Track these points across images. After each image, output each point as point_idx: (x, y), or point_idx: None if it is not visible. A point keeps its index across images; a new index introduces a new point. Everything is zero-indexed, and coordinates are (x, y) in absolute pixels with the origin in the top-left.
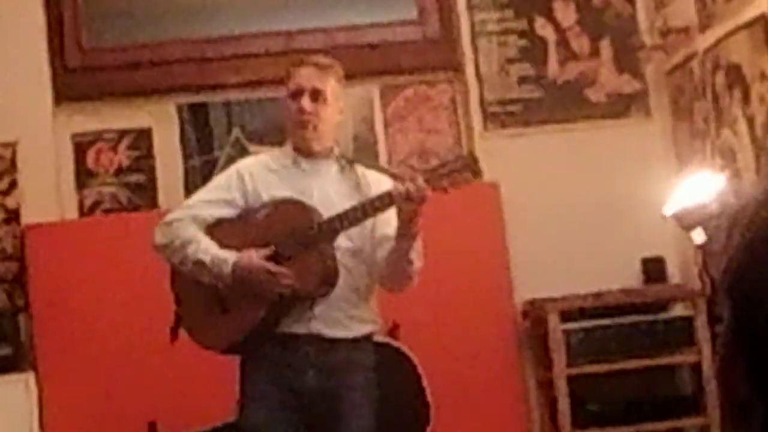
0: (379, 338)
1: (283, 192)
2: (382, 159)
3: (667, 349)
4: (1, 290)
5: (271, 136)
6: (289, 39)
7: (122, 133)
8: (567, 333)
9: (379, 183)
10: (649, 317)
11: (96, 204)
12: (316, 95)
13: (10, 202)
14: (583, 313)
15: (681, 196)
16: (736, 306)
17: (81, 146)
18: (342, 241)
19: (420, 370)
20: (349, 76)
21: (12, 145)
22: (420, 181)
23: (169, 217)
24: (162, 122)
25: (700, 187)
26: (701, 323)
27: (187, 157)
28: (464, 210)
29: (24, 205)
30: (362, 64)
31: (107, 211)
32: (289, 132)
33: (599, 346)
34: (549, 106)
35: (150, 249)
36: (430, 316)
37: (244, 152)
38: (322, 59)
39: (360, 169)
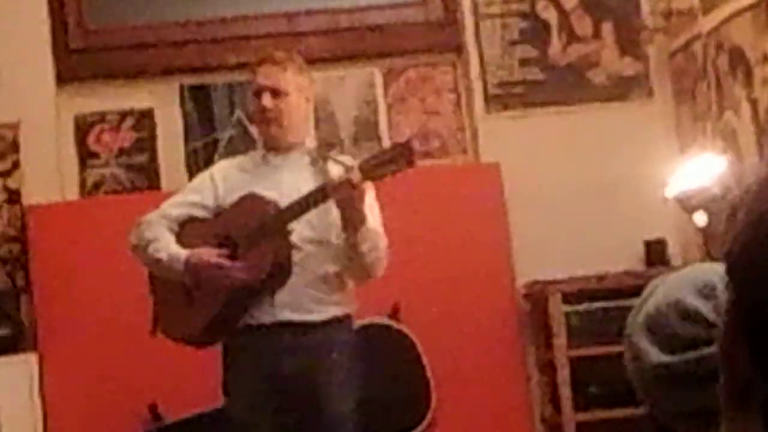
0: (380, 320)
1: (252, 189)
2: (384, 141)
3: None
4: (3, 271)
5: None
6: (292, 20)
7: (124, 114)
8: (568, 315)
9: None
10: None
11: (98, 185)
12: (277, 92)
13: (12, 182)
14: (584, 295)
15: (683, 179)
16: (738, 286)
17: (83, 127)
18: (305, 231)
19: (421, 351)
20: (352, 58)
21: (14, 126)
22: (354, 172)
23: (140, 219)
24: (164, 103)
25: (702, 170)
26: None
27: (189, 138)
28: (466, 191)
29: (26, 185)
30: (364, 46)
31: (109, 192)
32: (257, 130)
33: (601, 328)
34: (551, 88)
35: None
36: (431, 298)
37: (245, 133)
38: (280, 54)
39: (330, 165)
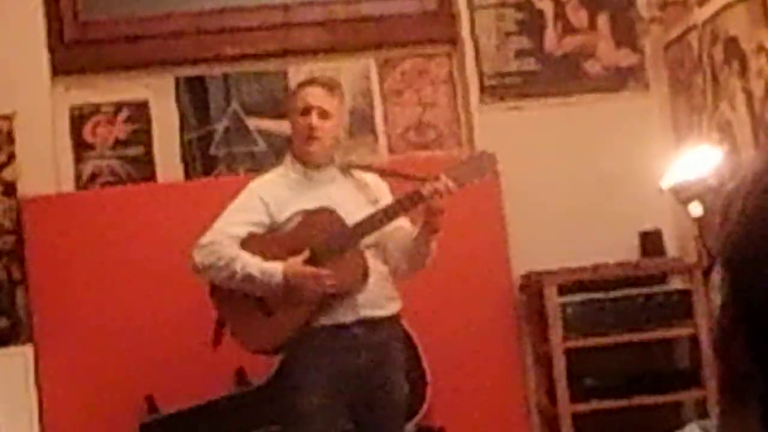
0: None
1: (304, 204)
2: (380, 132)
3: (664, 323)
4: None
5: (269, 108)
6: (287, 12)
7: (120, 106)
8: (564, 306)
9: (376, 183)
10: (647, 290)
11: (93, 177)
12: (324, 114)
13: (8, 174)
14: (580, 287)
15: (679, 170)
16: (734, 277)
17: (78, 119)
18: (366, 238)
19: (417, 343)
20: (347, 50)
21: (9, 118)
22: (445, 178)
23: (204, 240)
24: (159, 95)
25: (697, 161)
26: (699, 296)
27: (184, 129)
28: None
29: (21, 177)
30: (360, 37)
31: (105, 184)
32: (295, 145)
33: (596, 319)
34: (546, 80)
35: (148, 222)
36: (427, 290)
37: (241, 125)
38: (329, 80)
39: (356, 173)
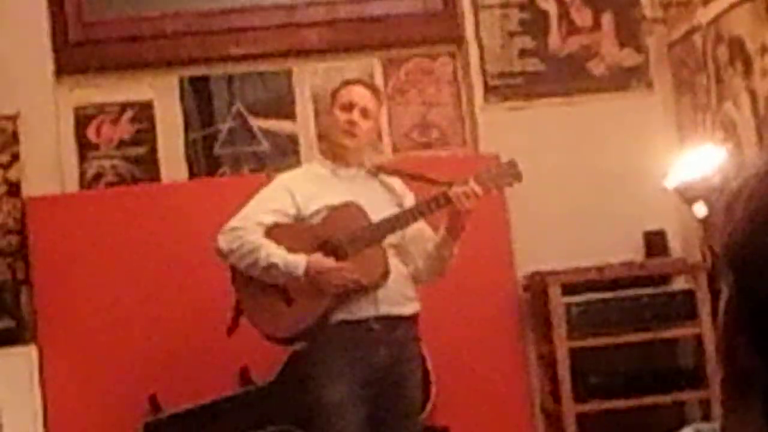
0: None
1: (330, 199)
2: (384, 131)
3: (668, 323)
4: (3, 263)
5: (273, 108)
6: (291, 12)
7: (124, 106)
8: (568, 306)
9: (402, 188)
10: (651, 290)
11: (97, 177)
12: (365, 113)
13: (12, 174)
14: (584, 286)
15: (683, 170)
16: (738, 277)
17: (83, 119)
18: (390, 238)
19: (421, 342)
20: (351, 49)
21: (14, 118)
22: (473, 182)
23: (231, 224)
24: (163, 95)
25: (701, 161)
26: (703, 296)
27: (188, 129)
28: None
29: (25, 177)
30: (364, 37)
31: (109, 184)
32: (331, 139)
33: (601, 319)
34: (550, 79)
35: (152, 222)
36: (431, 290)
37: (245, 125)
38: (374, 84)
39: (383, 176)
